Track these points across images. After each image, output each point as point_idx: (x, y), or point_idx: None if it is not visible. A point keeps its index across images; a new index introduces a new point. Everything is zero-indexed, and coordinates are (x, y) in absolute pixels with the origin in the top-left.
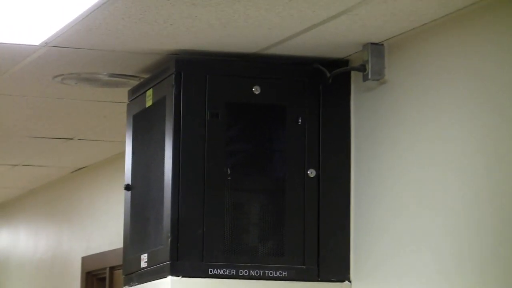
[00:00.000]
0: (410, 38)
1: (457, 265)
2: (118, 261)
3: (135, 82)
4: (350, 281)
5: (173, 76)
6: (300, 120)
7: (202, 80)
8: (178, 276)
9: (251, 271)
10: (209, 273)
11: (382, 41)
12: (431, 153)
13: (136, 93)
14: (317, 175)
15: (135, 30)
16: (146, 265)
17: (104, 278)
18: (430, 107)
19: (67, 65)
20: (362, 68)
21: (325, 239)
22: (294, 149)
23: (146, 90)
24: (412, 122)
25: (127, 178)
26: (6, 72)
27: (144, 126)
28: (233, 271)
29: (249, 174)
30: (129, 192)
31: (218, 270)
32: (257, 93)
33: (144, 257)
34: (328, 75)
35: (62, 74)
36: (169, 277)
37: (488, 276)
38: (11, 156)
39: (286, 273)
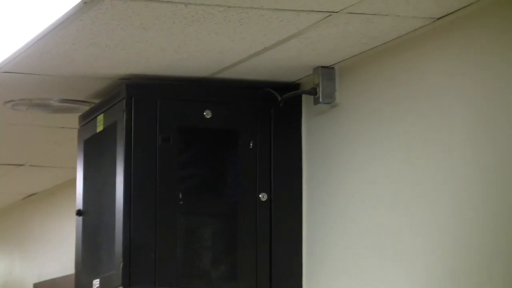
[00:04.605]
0: (361, 61)
1: (411, 280)
2: (71, 287)
3: (86, 108)
4: None
5: (124, 101)
6: (251, 144)
7: (153, 104)
8: None
9: None
10: None
11: (333, 65)
12: (383, 176)
13: (87, 118)
14: (269, 199)
15: (86, 54)
16: None
17: None
18: (381, 130)
19: (18, 90)
20: (313, 92)
21: (277, 263)
22: (246, 173)
23: (97, 115)
24: (363, 145)
25: (79, 203)
26: None
27: (96, 151)
28: None
29: (201, 199)
30: (81, 217)
31: None
32: (208, 117)
33: (96, 282)
34: (279, 98)
35: (13, 100)
36: None
37: None
38: None
39: None
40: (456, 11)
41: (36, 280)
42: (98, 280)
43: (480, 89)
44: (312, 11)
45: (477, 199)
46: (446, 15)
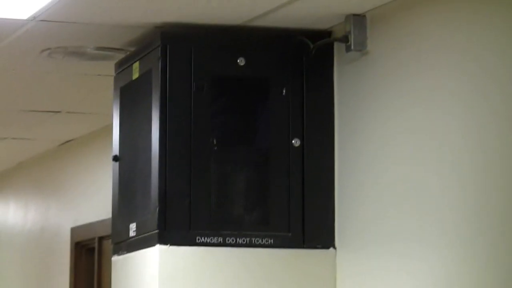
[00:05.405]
0: (392, 9)
1: (440, 229)
2: (107, 231)
3: (121, 55)
4: (335, 248)
5: (159, 49)
6: (284, 91)
7: (188, 52)
8: (166, 245)
9: (237, 239)
10: (197, 241)
11: (364, 12)
12: (413, 123)
13: (122, 66)
14: (302, 145)
15: (121, 3)
16: (134, 234)
17: (93, 249)
18: (412, 78)
19: (54, 39)
20: (345, 39)
21: (310, 207)
22: (278, 119)
23: (133, 63)
24: (394, 92)
25: (115, 149)
26: None
27: (131, 98)
28: (220, 239)
29: (234, 145)
30: (117, 163)
31: (205, 238)
32: (242, 64)
33: (133, 226)
34: (311, 46)
35: (50, 48)
36: (157, 246)
37: (472, 240)
38: (0, 130)
39: (272, 241)
40: None
41: (73, 225)
42: (134, 224)
43: None
44: None
45: (506, 154)
46: None
